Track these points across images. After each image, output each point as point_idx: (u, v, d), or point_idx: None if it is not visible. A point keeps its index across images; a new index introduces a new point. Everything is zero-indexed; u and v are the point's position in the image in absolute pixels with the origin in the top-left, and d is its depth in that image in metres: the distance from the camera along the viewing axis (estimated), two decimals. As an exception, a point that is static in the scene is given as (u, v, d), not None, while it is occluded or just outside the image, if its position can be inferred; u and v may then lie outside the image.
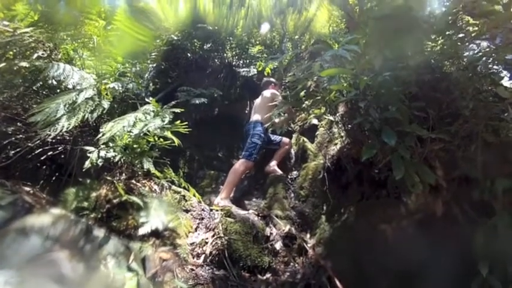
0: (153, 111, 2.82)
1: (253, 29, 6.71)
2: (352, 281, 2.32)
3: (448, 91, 2.29)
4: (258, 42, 6.98)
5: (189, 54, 5.64)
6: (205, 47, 5.77)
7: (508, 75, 2.27)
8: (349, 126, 2.89)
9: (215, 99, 4.85)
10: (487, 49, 2.27)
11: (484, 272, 1.91)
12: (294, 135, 4.53)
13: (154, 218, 2.30)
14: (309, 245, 2.81)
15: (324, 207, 3.09)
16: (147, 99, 3.48)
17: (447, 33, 2.31)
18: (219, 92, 4.88)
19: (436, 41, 2.44)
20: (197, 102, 4.41)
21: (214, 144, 4.65)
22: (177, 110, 2.93)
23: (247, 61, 6.42)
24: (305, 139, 4.21)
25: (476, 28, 2.35)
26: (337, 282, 2.31)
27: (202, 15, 5.63)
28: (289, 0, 6.30)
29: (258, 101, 4.48)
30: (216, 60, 5.89)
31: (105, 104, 2.86)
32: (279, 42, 7.58)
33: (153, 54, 4.84)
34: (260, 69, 5.65)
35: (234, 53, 6.48)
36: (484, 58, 2.20)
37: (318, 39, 5.94)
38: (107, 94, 3.04)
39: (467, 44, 2.33)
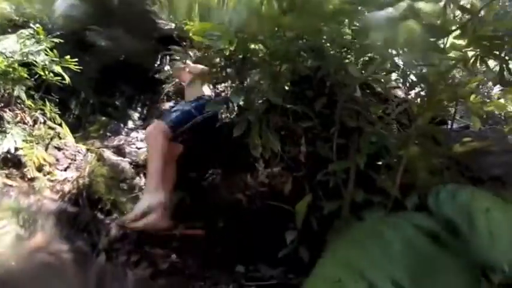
0: (33, 37, 2.69)
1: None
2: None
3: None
4: None
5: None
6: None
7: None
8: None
9: (126, 46, 4.61)
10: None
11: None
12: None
13: (9, 142, 2.25)
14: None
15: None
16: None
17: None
18: (132, 40, 4.63)
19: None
20: (103, 44, 4.24)
21: (114, 91, 4.51)
22: (57, 40, 2.82)
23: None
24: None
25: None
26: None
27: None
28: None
29: None
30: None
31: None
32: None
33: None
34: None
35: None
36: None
37: None
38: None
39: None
